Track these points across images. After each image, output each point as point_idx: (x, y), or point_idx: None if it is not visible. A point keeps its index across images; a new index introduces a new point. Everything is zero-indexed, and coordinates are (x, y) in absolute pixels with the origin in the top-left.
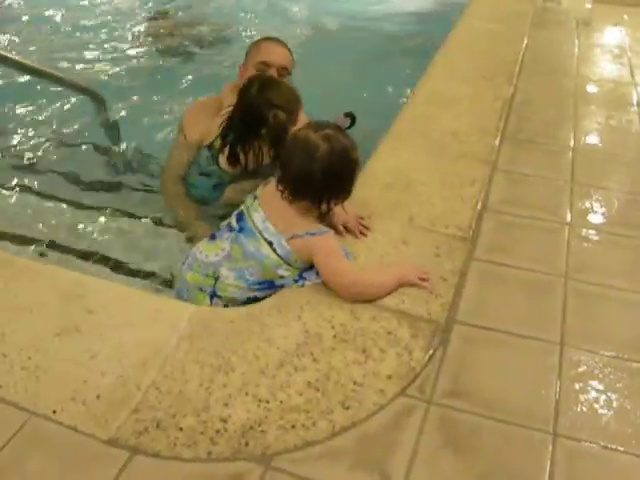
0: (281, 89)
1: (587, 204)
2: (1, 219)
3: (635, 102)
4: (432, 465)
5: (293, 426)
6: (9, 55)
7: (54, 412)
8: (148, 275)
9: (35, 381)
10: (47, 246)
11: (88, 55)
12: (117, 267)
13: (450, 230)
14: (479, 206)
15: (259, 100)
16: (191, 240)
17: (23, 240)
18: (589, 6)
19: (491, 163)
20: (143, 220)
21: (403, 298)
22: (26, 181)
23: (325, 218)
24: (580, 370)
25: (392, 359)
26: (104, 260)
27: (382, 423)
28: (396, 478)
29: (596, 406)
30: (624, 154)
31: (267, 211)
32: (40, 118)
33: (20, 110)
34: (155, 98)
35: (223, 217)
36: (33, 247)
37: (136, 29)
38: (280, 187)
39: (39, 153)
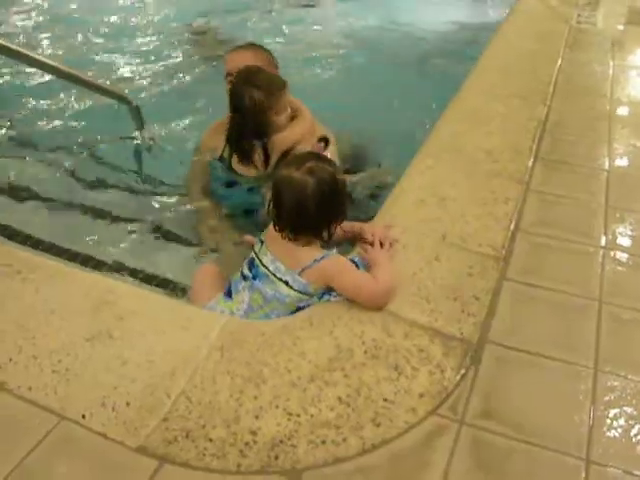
0: (260, 73)
1: (621, 228)
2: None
3: None
4: None
5: (323, 441)
6: (47, 60)
7: (83, 417)
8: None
9: (65, 385)
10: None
11: (127, 66)
12: (133, 273)
13: (483, 249)
14: (512, 226)
15: (238, 83)
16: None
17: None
18: (621, 27)
19: (524, 183)
20: (157, 226)
21: (436, 316)
22: (46, 185)
23: (330, 241)
24: (614, 396)
25: (424, 377)
26: (120, 267)
27: (413, 442)
28: None
29: (631, 434)
30: None
31: (274, 251)
32: (62, 124)
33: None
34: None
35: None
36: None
37: (174, 40)
38: (278, 229)
39: (60, 158)
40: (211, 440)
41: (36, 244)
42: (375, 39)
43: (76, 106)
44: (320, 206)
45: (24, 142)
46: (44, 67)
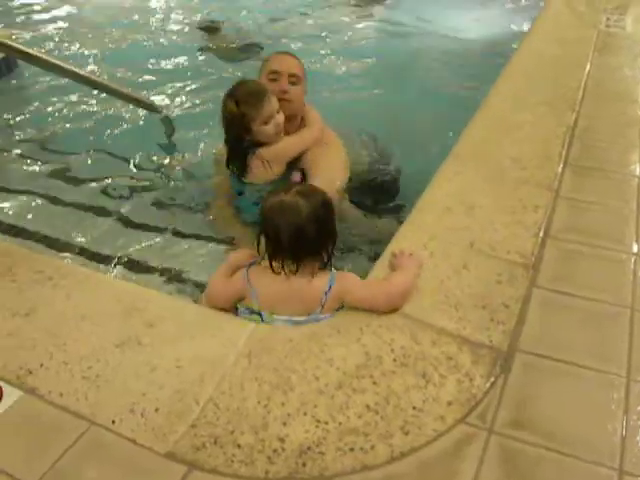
0: (242, 84)
1: None
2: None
3: None
4: None
5: (351, 449)
6: (77, 70)
7: (113, 422)
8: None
9: (95, 391)
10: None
11: (149, 74)
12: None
13: (512, 256)
14: (541, 233)
15: (225, 95)
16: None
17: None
18: None
19: (553, 190)
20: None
21: (464, 324)
22: (67, 190)
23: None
24: None
25: (452, 385)
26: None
27: (442, 450)
28: None
29: None
30: None
31: (283, 311)
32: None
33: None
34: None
35: None
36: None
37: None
38: (276, 263)
39: (88, 165)
40: (239, 446)
41: (65, 249)
42: (400, 45)
43: (103, 114)
44: (317, 226)
45: (54, 150)
46: (75, 77)
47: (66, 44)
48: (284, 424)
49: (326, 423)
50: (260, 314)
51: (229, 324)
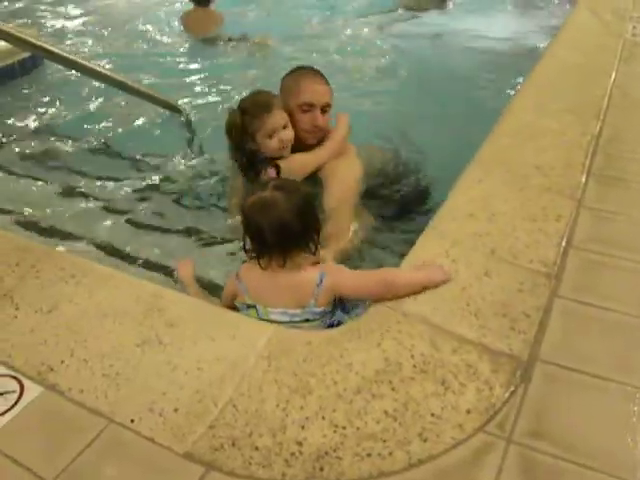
0: (254, 95)
1: None
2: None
3: None
4: None
5: (369, 454)
6: (101, 69)
7: (132, 421)
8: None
9: (115, 389)
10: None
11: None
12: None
13: (534, 265)
14: (564, 242)
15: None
16: None
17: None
18: None
19: (576, 199)
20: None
21: (485, 332)
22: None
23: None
24: None
25: (472, 393)
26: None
27: (460, 459)
28: None
29: None
30: None
31: (277, 304)
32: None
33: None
34: None
35: None
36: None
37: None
38: (264, 260)
39: (109, 165)
40: (257, 449)
41: (87, 247)
42: (424, 52)
43: (125, 113)
44: (299, 217)
45: (75, 148)
46: (98, 76)
47: (89, 41)
48: (302, 428)
49: (344, 428)
50: (255, 307)
51: (249, 326)
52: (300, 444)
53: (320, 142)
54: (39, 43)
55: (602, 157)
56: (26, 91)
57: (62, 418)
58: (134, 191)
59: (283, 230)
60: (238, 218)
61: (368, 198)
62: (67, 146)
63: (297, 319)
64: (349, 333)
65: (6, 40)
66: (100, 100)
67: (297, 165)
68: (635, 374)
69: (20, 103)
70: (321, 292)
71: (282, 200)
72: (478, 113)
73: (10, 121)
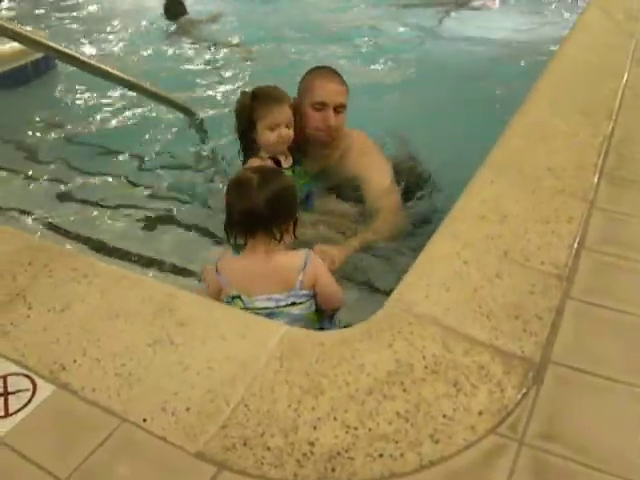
0: (267, 87)
1: None
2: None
3: None
4: None
5: (381, 455)
6: (114, 71)
7: (144, 420)
8: None
9: (128, 388)
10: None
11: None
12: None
13: (546, 267)
14: (576, 244)
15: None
16: None
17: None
18: None
19: (589, 200)
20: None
21: (496, 334)
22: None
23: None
24: None
25: (484, 395)
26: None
27: (472, 460)
28: None
29: None
30: None
31: (260, 290)
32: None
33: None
34: None
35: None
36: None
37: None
38: (229, 236)
39: (121, 167)
40: (269, 449)
41: (98, 248)
42: (436, 50)
43: (137, 115)
44: (268, 201)
45: (88, 149)
46: (111, 77)
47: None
48: (314, 428)
49: (356, 429)
50: (240, 297)
51: (260, 326)
52: (312, 444)
53: (333, 142)
54: (52, 44)
55: (614, 158)
56: (39, 92)
57: (74, 417)
58: (147, 192)
59: (248, 211)
60: None
61: None
62: (79, 147)
63: (283, 303)
64: (361, 334)
65: (19, 41)
66: (113, 102)
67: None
68: None
69: (33, 104)
70: (306, 274)
71: (256, 182)
72: (489, 114)
73: (23, 122)
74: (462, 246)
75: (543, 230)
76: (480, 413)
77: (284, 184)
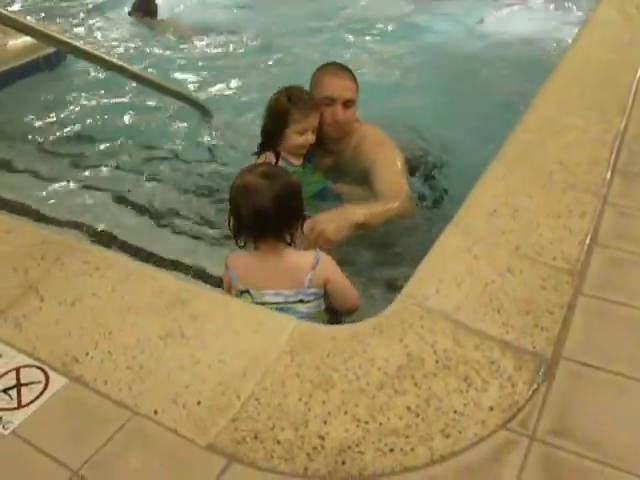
0: (300, 89)
1: None
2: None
3: None
4: None
5: (391, 449)
6: (125, 64)
7: (155, 413)
8: None
9: (139, 381)
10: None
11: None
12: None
13: (557, 262)
14: (588, 239)
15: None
16: None
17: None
18: None
19: (601, 196)
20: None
21: (508, 329)
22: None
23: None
24: None
25: (494, 390)
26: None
27: (482, 455)
28: None
29: None
30: None
31: (268, 285)
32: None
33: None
34: None
35: None
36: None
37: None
38: (240, 240)
39: (126, 157)
40: (279, 442)
41: (110, 242)
42: (448, 45)
43: (148, 108)
44: (279, 206)
45: (99, 142)
46: (122, 72)
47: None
48: (324, 422)
49: (366, 423)
50: (249, 292)
51: (271, 320)
52: (322, 438)
53: (343, 137)
54: (64, 38)
55: (627, 154)
56: (50, 86)
57: (86, 409)
58: (159, 185)
59: (258, 216)
60: None
61: None
62: (91, 140)
63: (291, 299)
64: (372, 328)
65: (31, 35)
66: (124, 96)
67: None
68: None
69: (44, 98)
70: (316, 274)
71: (264, 187)
72: (501, 109)
73: (33, 116)
74: (473, 241)
75: (555, 225)
76: (491, 408)
77: (290, 185)
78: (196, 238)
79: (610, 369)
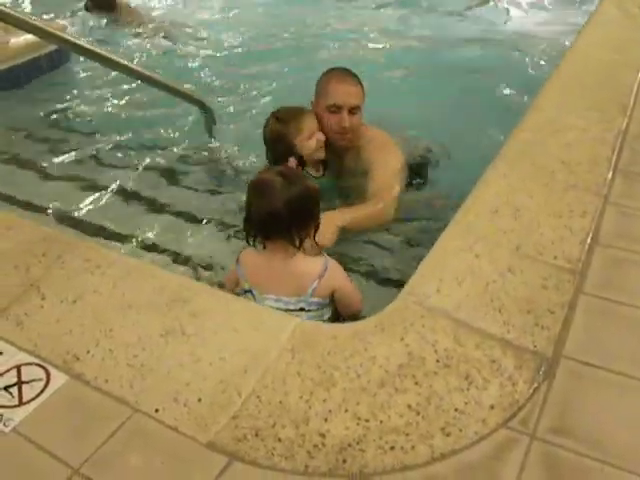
0: (284, 106)
1: None
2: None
3: None
4: None
5: (392, 447)
6: (127, 62)
7: (156, 411)
8: None
9: (140, 379)
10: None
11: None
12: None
13: (558, 261)
14: (589, 239)
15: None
16: None
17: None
18: None
19: (602, 195)
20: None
21: (508, 328)
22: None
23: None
24: None
25: (495, 389)
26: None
27: (483, 454)
28: None
29: None
30: None
31: (272, 291)
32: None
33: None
34: None
35: None
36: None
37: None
38: (249, 237)
39: (130, 157)
40: (280, 440)
41: (112, 238)
42: (449, 45)
43: (150, 106)
44: (289, 208)
45: (100, 141)
46: (125, 70)
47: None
48: (325, 420)
49: (367, 421)
50: (251, 292)
51: (273, 318)
52: (323, 436)
53: (350, 143)
54: (67, 36)
55: (628, 153)
56: (53, 85)
57: (87, 407)
58: (162, 184)
59: (269, 216)
60: None
61: None
62: (93, 140)
63: (292, 307)
64: (373, 326)
65: (34, 33)
66: (127, 94)
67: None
68: None
69: (47, 97)
70: (322, 283)
71: (279, 187)
72: (503, 108)
73: (36, 115)
74: (474, 240)
75: (556, 224)
76: (491, 407)
77: (307, 189)
78: (198, 234)
79: (611, 368)
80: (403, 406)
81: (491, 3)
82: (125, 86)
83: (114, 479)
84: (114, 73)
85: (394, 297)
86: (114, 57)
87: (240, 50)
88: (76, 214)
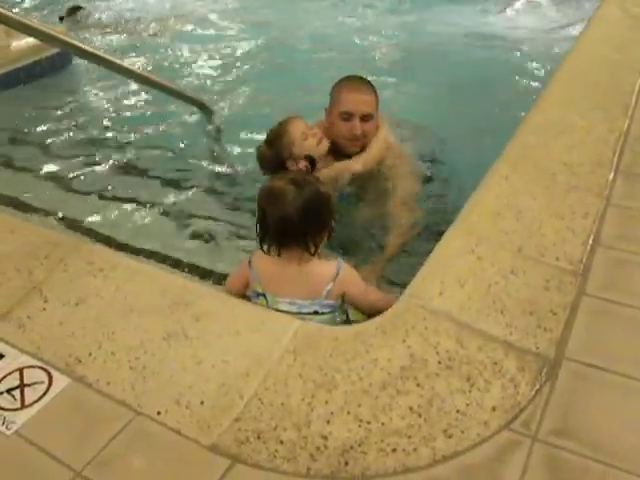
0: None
1: None
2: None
3: None
4: None
5: (394, 450)
6: (129, 66)
7: (158, 413)
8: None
9: (142, 381)
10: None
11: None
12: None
13: (560, 263)
14: (591, 240)
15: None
16: None
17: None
18: None
19: (604, 197)
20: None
21: (511, 329)
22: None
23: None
24: None
25: (497, 391)
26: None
27: (485, 456)
28: None
29: None
30: None
31: (285, 294)
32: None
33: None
34: None
35: None
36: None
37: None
38: (265, 245)
39: (127, 156)
40: (282, 442)
41: (114, 242)
42: (450, 45)
43: (153, 110)
44: (304, 216)
45: (103, 144)
46: (126, 73)
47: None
48: (327, 422)
49: (369, 423)
50: (264, 296)
51: (274, 320)
52: (325, 438)
53: (363, 150)
54: (68, 39)
55: (630, 154)
56: (54, 88)
57: (89, 409)
58: (164, 187)
59: (283, 224)
60: None
61: None
62: (95, 143)
63: (305, 310)
64: (375, 329)
65: (35, 36)
66: (129, 97)
67: (328, 177)
68: None
69: (49, 100)
70: (335, 285)
71: (291, 195)
72: (504, 109)
73: (38, 117)
74: (477, 242)
75: (558, 226)
76: (493, 409)
77: (319, 195)
78: (201, 237)
79: (614, 370)
80: (405, 408)
81: (494, 5)
82: (127, 88)
83: None
84: (116, 75)
85: (396, 299)
86: (116, 60)
87: (240, 50)
88: (79, 217)
